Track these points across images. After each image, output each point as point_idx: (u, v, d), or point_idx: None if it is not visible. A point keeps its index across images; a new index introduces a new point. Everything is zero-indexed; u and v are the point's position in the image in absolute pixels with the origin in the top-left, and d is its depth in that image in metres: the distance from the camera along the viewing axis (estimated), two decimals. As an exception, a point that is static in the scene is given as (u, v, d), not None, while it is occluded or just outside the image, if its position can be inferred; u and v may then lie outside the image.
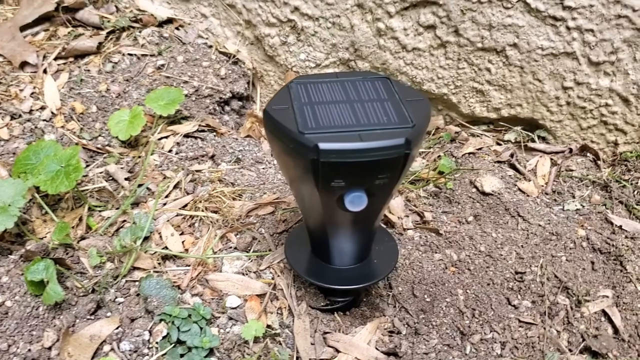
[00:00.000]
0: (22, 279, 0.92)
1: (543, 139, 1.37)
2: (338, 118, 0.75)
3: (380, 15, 1.30)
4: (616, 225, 1.13)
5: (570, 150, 1.32)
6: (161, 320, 0.88)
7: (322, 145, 0.69)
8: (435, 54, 1.33)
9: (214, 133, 1.34)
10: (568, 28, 1.20)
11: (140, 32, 1.47)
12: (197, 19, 1.52)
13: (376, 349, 0.91)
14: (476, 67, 1.32)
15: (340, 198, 0.77)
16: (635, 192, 1.21)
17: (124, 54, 1.42)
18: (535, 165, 1.29)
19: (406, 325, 0.96)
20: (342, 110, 0.77)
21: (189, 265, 0.99)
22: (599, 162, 1.29)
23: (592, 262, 1.07)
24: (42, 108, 1.29)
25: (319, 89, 0.82)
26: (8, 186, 0.97)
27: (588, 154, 1.31)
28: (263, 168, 1.27)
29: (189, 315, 0.88)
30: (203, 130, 1.33)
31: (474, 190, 1.20)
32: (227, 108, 1.48)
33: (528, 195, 1.20)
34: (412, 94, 0.80)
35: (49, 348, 0.86)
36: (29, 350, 0.85)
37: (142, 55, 1.42)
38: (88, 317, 0.90)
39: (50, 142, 1.08)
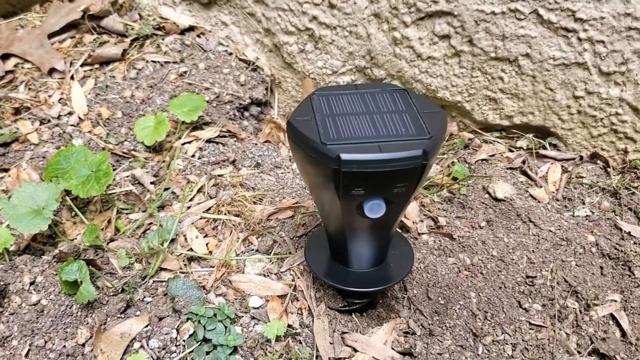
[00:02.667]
0: (56, 279, 0.97)
1: (554, 147, 1.40)
2: (358, 129, 0.79)
3: (396, 24, 1.34)
4: (625, 231, 1.16)
5: (581, 157, 1.35)
6: (188, 319, 0.93)
7: (344, 156, 0.74)
8: (450, 62, 1.36)
9: (235, 138, 1.39)
10: (579, 39, 1.23)
11: (163, 39, 1.52)
12: (217, 27, 1.57)
13: (392, 349, 0.95)
14: (489, 76, 1.35)
15: (360, 205, 0.81)
16: (645, 199, 1.24)
17: (147, 61, 1.47)
18: (547, 172, 1.32)
19: (421, 327, 1.00)
20: (362, 121, 0.81)
21: (213, 267, 1.04)
22: (608, 169, 1.32)
23: (601, 267, 1.10)
24: (70, 113, 1.34)
25: (340, 100, 0.86)
26: (42, 190, 1.02)
27: (598, 162, 1.35)
28: (282, 173, 1.32)
29: (215, 315, 0.92)
30: (224, 136, 1.38)
31: (486, 196, 1.24)
32: (246, 114, 1.53)
33: (539, 202, 1.23)
34: (429, 105, 0.84)
35: (83, 345, 0.91)
36: (64, 346, 0.90)
37: (165, 62, 1.47)
38: (118, 315, 0.95)
39: (80, 148, 1.12)
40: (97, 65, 1.46)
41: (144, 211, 1.15)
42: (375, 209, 0.81)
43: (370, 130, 0.79)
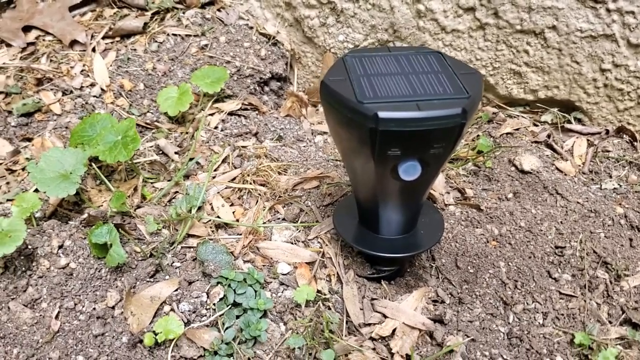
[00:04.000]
0: (84, 243, 0.96)
1: (579, 121, 1.39)
2: (395, 89, 0.78)
3: (421, -3, 1.33)
4: (654, 204, 1.15)
5: (607, 131, 1.34)
6: (218, 283, 0.92)
7: (382, 114, 0.72)
8: (474, 35, 1.35)
9: (256, 112, 1.38)
10: (608, 10, 1.21)
11: (183, 13, 1.51)
12: (237, 1, 1.56)
13: (422, 315, 0.94)
14: (514, 49, 1.34)
15: (395, 168, 0.80)
16: (672, 173, 1.22)
17: (168, 34, 1.46)
18: (572, 146, 1.31)
19: (449, 295, 1.00)
20: (398, 81, 0.80)
21: (240, 234, 1.03)
22: (635, 143, 1.30)
23: (630, 239, 1.09)
24: (92, 85, 1.33)
25: (374, 61, 0.85)
26: (69, 155, 1.01)
27: (624, 136, 1.33)
28: (304, 146, 1.31)
29: (244, 279, 0.92)
30: (246, 109, 1.37)
31: (512, 168, 1.23)
32: (266, 88, 1.52)
33: (566, 174, 1.22)
34: (464, 67, 0.83)
35: (113, 307, 0.90)
36: (94, 308, 0.90)
37: (186, 35, 1.46)
38: (148, 279, 0.95)
39: (106, 115, 1.12)
40: (118, 39, 1.45)
41: (169, 180, 1.14)
42: (410, 171, 0.80)
43: (407, 90, 0.78)
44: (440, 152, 0.78)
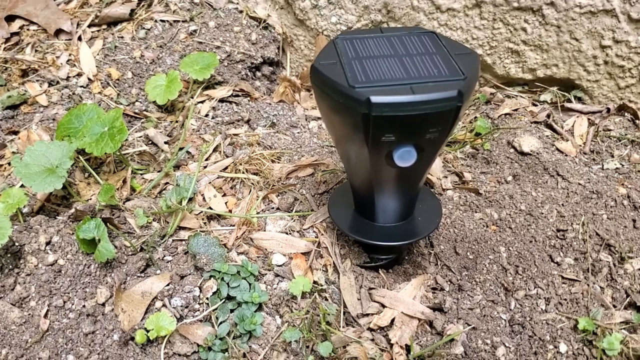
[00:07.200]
0: (72, 239, 0.94)
1: (579, 99, 1.35)
2: (388, 72, 0.75)
3: (415, -25, 1.29)
4: (657, 183, 1.12)
5: (608, 110, 1.31)
6: (211, 276, 0.90)
7: (374, 99, 0.69)
8: (470, 14, 1.31)
9: (248, 98, 1.34)
10: (608, -16, 1.18)
11: (171, -2, 1.47)
12: (227, -16, 1.52)
13: (421, 304, 0.92)
14: (512, 27, 1.30)
15: (389, 154, 0.77)
16: (675, 150, 1.19)
17: (156, 21, 1.42)
18: (573, 126, 1.27)
19: (449, 282, 0.97)
20: (391, 64, 0.76)
21: (233, 225, 1.00)
22: (637, 121, 1.27)
23: (634, 220, 1.06)
24: (79, 75, 1.30)
25: (366, 44, 0.81)
26: (55, 148, 0.98)
27: (626, 114, 1.30)
28: (298, 132, 1.27)
29: (238, 272, 0.89)
30: (237, 95, 1.34)
31: (511, 150, 1.20)
32: (258, 74, 1.48)
33: (566, 155, 1.19)
34: (460, 47, 0.80)
35: (103, 304, 0.88)
36: (84, 306, 0.87)
37: (174, 21, 1.42)
38: (138, 274, 0.92)
39: (92, 106, 1.08)
40: (104, 26, 1.42)
41: (159, 171, 1.11)
42: (405, 157, 0.77)
43: (400, 72, 0.74)
44: (436, 136, 0.75)
